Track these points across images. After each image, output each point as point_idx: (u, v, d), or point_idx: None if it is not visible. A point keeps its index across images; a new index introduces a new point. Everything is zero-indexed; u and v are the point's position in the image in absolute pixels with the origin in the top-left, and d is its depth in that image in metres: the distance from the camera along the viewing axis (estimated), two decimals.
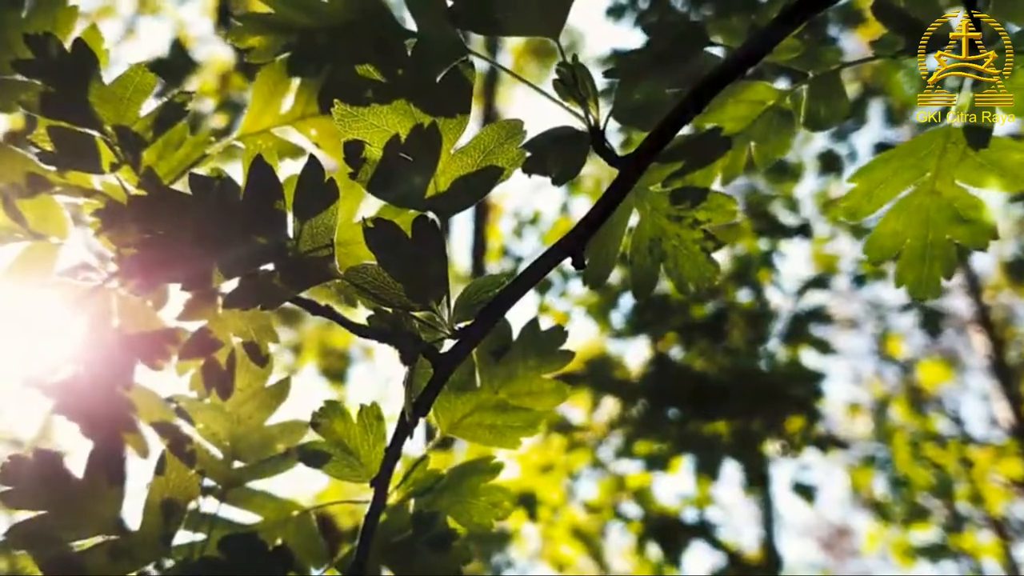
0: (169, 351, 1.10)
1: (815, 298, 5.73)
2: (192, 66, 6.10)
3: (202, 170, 1.05)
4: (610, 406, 5.68)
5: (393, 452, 1.02)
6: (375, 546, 1.18)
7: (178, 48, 5.95)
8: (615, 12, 4.47)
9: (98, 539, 1.06)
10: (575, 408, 5.97)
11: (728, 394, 5.02)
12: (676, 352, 5.38)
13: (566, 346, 1.12)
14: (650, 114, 0.97)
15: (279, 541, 1.18)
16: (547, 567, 6.15)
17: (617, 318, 5.55)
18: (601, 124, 0.97)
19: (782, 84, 1.09)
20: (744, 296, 5.53)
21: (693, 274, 1.09)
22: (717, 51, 0.99)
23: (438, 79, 0.89)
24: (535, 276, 0.95)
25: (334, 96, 0.91)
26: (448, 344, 0.99)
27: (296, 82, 1.13)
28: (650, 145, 0.93)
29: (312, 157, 0.88)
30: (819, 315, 5.46)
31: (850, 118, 4.80)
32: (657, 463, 5.64)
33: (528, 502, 5.72)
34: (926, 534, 7.04)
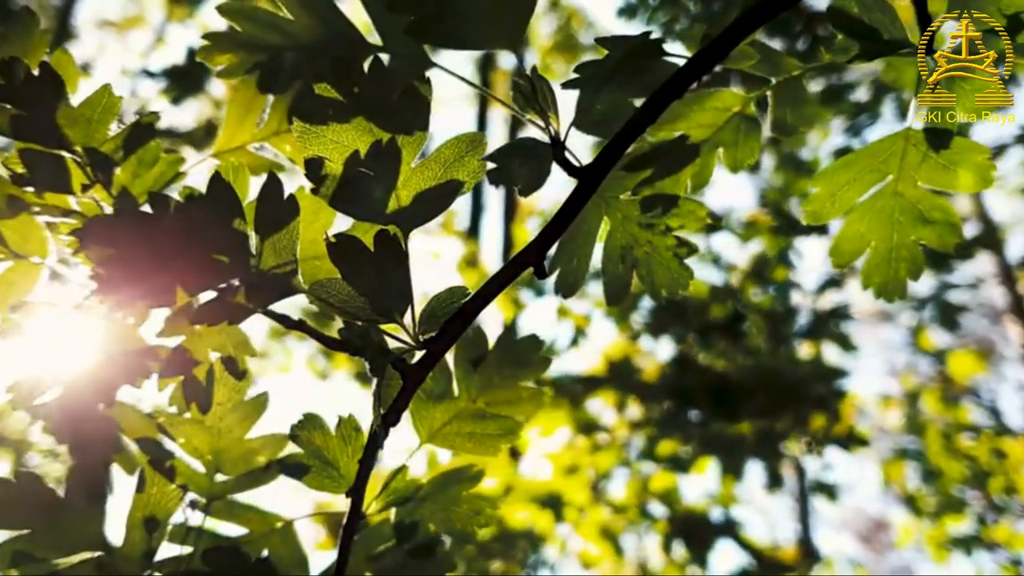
0: (150, 368, 1.11)
1: (839, 294, 5.70)
2: (208, 73, 6.13)
3: (177, 188, 1.07)
4: (635, 407, 5.68)
5: (366, 463, 1.03)
6: (362, 555, 1.20)
7: (194, 56, 5.97)
8: (627, 12, 4.47)
9: (83, 556, 1.08)
10: (606, 409, 5.97)
11: (749, 394, 5.00)
12: (696, 352, 5.36)
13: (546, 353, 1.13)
14: (612, 124, 0.98)
15: (265, 553, 1.19)
16: (577, 566, 6.16)
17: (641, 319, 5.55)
18: (562, 135, 0.98)
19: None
20: (763, 295, 5.51)
21: (666, 280, 1.09)
22: (678, 60, 1.00)
23: (396, 96, 0.90)
24: (498, 287, 0.96)
25: (301, 114, 0.92)
26: (419, 356, 1.00)
27: (271, 98, 1.14)
28: (607, 155, 0.94)
29: (271, 174, 0.89)
30: (840, 312, 5.43)
31: (865, 113, 4.79)
32: (680, 464, 5.63)
33: (554, 503, 5.72)
34: (960, 526, 6.99)
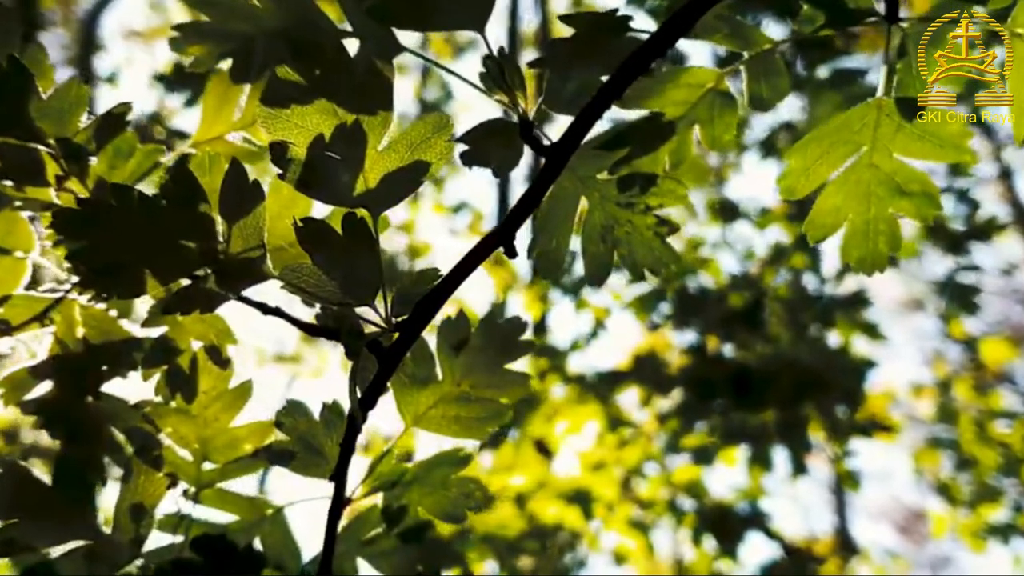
0: (134, 359, 1.12)
1: (859, 281, 5.63)
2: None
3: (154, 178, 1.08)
4: (660, 401, 5.64)
5: (346, 448, 1.04)
6: (352, 542, 1.21)
7: None
8: (635, 0, 4.44)
9: (73, 544, 1.09)
10: (636, 406, 5.94)
11: (771, 382, 4.96)
12: (717, 343, 5.32)
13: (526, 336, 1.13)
14: (583, 103, 0.97)
15: (256, 540, 1.20)
16: (611, 562, 6.16)
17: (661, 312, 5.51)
18: (531, 114, 0.97)
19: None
20: (783, 282, 5.45)
21: (648, 260, 1.09)
22: (644, 35, 0.99)
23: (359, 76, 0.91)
24: (469, 268, 0.96)
25: (264, 98, 0.92)
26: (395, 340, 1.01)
27: (247, 88, 1.15)
28: (574, 132, 0.94)
29: (234, 160, 0.90)
30: (860, 298, 5.36)
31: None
32: (706, 456, 5.60)
33: (582, 500, 5.71)
34: (996, 514, 6.91)
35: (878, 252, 1.03)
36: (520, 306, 6.03)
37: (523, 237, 1.06)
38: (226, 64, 1.03)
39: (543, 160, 0.97)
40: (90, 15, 9.54)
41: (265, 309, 1.03)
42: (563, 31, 1.00)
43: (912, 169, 1.01)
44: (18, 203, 1.07)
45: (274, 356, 7.64)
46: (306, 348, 8.70)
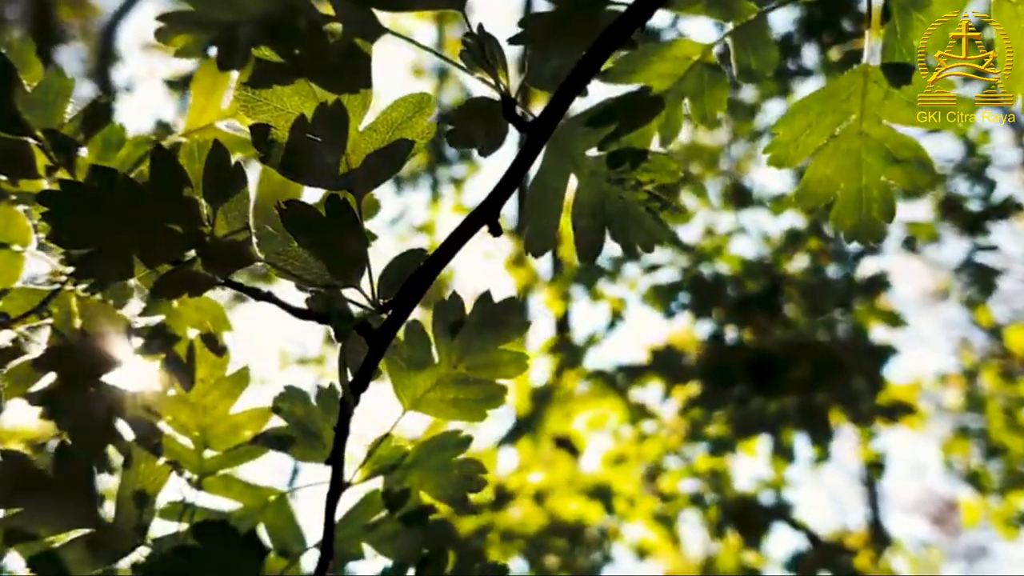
0: (131, 348, 1.13)
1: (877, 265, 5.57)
2: None
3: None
4: (681, 391, 5.61)
5: (341, 431, 1.04)
6: (355, 527, 1.21)
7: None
8: None
9: (75, 533, 1.09)
10: (659, 400, 5.91)
11: (788, 366, 4.92)
12: (733, 331, 5.28)
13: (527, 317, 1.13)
14: (564, 78, 0.97)
15: (261, 527, 1.20)
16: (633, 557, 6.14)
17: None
18: (512, 91, 0.97)
19: None
20: (803, 268, 5.42)
21: (640, 236, 1.08)
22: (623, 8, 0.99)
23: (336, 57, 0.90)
24: (454, 247, 0.96)
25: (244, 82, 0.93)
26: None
27: (235, 75, 1.15)
28: (554, 107, 0.93)
29: (216, 142, 0.90)
30: (879, 280, 5.30)
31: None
32: (725, 446, 5.57)
33: (603, 495, 5.68)
34: None
35: (871, 220, 1.02)
36: (541, 304, 6.02)
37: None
38: (213, 52, 1.03)
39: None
40: (107, 27, 9.60)
41: (257, 295, 1.04)
42: None
43: (903, 136, 1.00)
44: (13, 197, 1.08)
45: (297, 359, 7.63)
46: (329, 351, 8.68)
